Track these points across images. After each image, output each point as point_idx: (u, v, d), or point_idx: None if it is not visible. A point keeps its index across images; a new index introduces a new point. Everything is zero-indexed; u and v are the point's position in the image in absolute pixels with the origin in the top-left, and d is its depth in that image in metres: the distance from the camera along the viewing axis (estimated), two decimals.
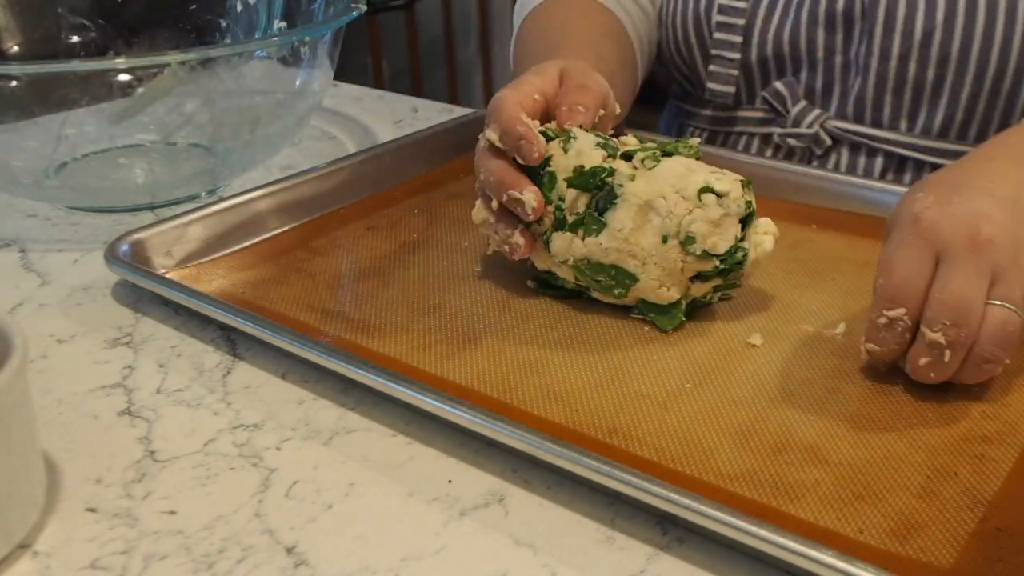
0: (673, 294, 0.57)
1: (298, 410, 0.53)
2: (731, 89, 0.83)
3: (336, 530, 0.44)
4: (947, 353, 0.48)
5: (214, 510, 0.45)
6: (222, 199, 0.71)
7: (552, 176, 0.58)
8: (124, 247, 0.64)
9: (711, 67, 0.83)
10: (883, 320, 0.49)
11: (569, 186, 0.57)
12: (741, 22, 0.80)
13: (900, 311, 0.48)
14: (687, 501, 0.41)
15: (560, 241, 0.58)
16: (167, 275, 0.64)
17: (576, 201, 0.57)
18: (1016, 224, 0.49)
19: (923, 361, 0.49)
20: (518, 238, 0.59)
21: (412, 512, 0.45)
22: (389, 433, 0.51)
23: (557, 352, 0.56)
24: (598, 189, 0.57)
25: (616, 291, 0.57)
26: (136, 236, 0.65)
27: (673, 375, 0.53)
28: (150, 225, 0.66)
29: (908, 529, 0.42)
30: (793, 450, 0.47)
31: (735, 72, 0.82)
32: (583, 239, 0.57)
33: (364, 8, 0.79)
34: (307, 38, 0.78)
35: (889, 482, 0.45)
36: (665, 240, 0.55)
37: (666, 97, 0.96)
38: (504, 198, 0.58)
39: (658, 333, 0.57)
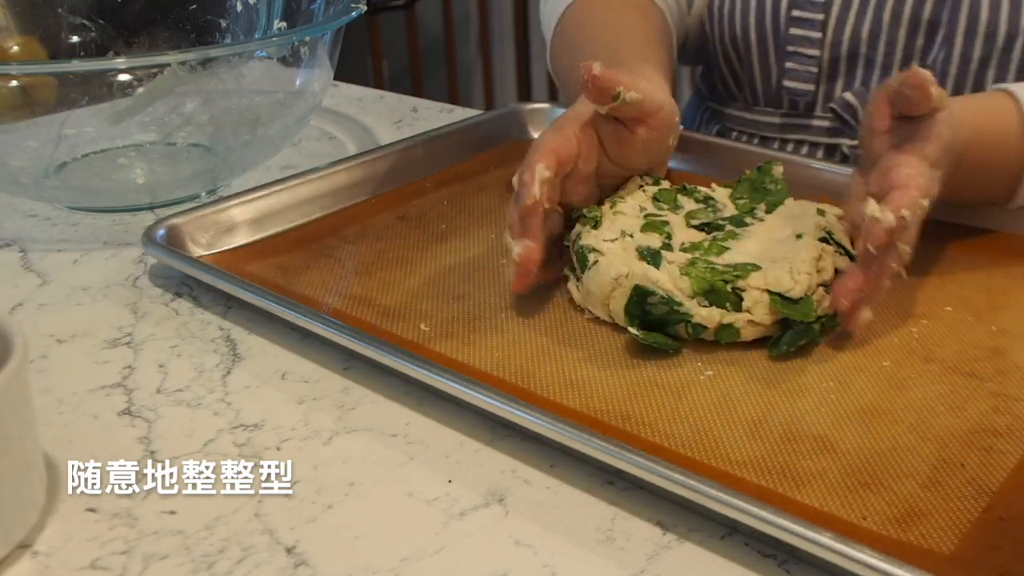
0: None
1: (298, 410, 0.53)
2: (811, 87, 0.80)
3: (336, 530, 0.44)
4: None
5: (214, 510, 0.45)
6: (255, 188, 0.72)
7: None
8: (160, 232, 0.66)
9: (788, 64, 0.80)
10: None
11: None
12: (820, 17, 0.78)
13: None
14: (689, 481, 0.42)
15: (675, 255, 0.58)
16: (201, 259, 0.66)
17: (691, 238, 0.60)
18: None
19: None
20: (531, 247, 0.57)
21: (412, 512, 0.45)
22: (389, 433, 0.51)
23: (575, 342, 0.56)
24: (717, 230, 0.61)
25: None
26: (172, 222, 0.67)
27: (688, 365, 0.54)
28: (185, 212, 0.68)
29: (911, 516, 0.42)
30: (802, 439, 0.47)
31: (814, 70, 0.80)
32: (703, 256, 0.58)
33: (364, 8, 0.79)
34: (307, 38, 0.78)
35: (896, 472, 0.45)
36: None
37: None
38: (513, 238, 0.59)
39: None
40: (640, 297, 0.55)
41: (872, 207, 0.51)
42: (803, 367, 0.53)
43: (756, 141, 0.85)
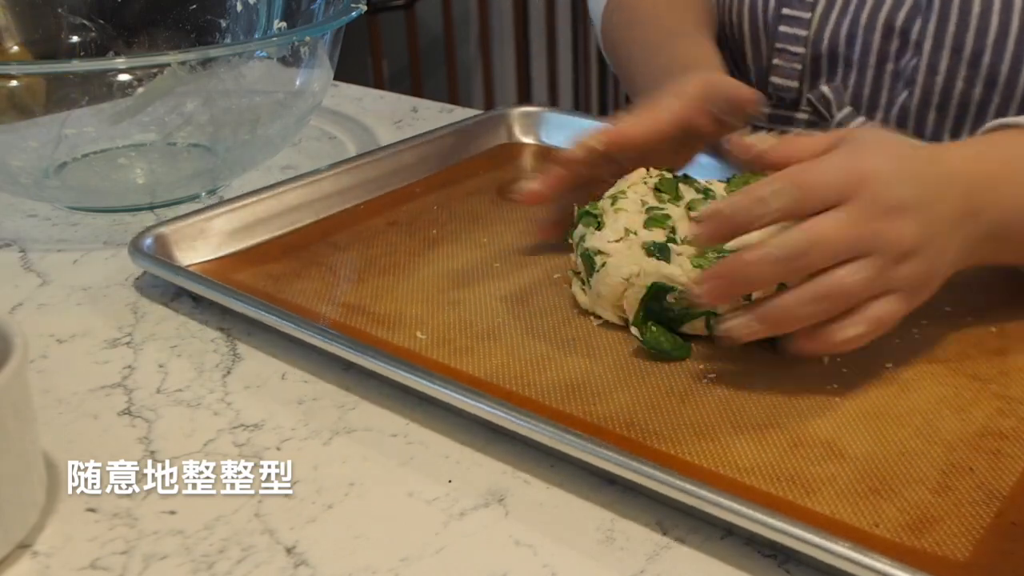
0: None
1: (298, 410, 0.53)
2: (795, 84, 0.82)
3: (336, 530, 0.44)
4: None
5: (214, 510, 0.45)
6: (244, 195, 0.71)
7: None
8: (148, 241, 0.65)
9: (775, 61, 0.82)
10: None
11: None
12: (807, 16, 0.80)
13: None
14: (701, 492, 0.42)
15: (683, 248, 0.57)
16: (189, 268, 0.65)
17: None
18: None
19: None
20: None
21: (412, 512, 0.45)
22: (389, 433, 0.51)
23: (575, 347, 0.56)
24: None
25: None
26: (159, 230, 0.66)
27: (690, 370, 0.53)
28: (173, 220, 0.67)
29: (923, 523, 0.42)
30: (810, 445, 0.47)
31: (799, 67, 0.81)
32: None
33: (364, 8, 0.79)
34: (307, 38, 0.78)
35: (905, 477, 0.45)
36: None
37: None
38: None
39: None
40: (658, 294, 0.55)
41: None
42: (806, 368, 0.53)
43: (750, 130, 0.86)
